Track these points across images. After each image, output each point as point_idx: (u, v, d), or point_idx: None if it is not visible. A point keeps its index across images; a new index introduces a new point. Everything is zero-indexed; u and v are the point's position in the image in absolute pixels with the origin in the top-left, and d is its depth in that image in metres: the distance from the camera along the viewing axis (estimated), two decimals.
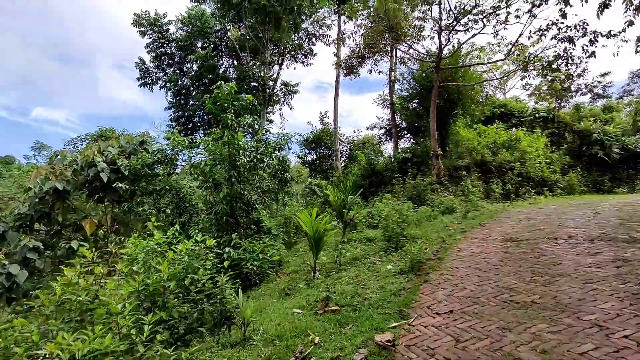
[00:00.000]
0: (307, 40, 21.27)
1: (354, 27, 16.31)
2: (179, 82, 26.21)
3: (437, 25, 14.69)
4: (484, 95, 17.98)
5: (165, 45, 25.94)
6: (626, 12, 10.99)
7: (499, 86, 27.00)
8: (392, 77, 20.69)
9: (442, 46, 14.74)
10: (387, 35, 16.99)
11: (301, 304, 5.57)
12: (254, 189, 10.18)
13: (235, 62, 25.52)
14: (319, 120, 25.96)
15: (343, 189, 9.12)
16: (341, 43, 21.28)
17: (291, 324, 4.66)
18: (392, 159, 18.72)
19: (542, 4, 13.17)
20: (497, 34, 21.02)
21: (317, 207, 8.60)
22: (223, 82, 9.94)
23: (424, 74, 18.13)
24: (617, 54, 11.56)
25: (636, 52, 11.30)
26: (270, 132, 19.06)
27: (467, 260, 6.27)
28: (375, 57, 20.17)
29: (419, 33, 16.21)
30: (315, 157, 26.10)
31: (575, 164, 17.45)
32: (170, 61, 26.62)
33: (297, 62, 22.18)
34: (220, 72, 25.66)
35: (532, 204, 12.85)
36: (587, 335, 3.46)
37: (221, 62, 26.34)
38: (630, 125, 19.45)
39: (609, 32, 11.06)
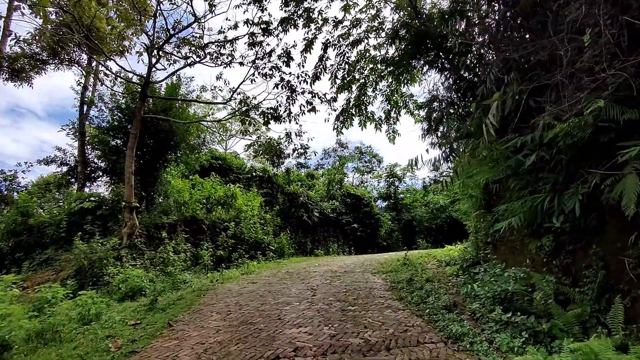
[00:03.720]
0: None
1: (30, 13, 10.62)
2: None
3: (148, 39, 11.32)
4: (202, 140, 15.54)
5: None
6: (331, 88, 11.53)
7: (221, 141, 26.22)
8: (87, 98, 15.20)
9: (152, 66, 11.37)
10: (76, 39, 12.09)
11: None
12: None
13: None
14: None
15: None
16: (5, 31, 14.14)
17: None
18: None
19: (265, 57, 12.61)
20: (221, 77, 19.88)
21: None
22: None
23: (132, 104, 13.91)
24: (327, 120, 11.79)
25: (334, 128, 11.94)
26: None
27: None
28: (63, 64, 14.31)
29: (122, 43, 12.24)
30: None
31: (286, 225, 17.42)
32: None
33: None
34: None
35: (244, 274, 10.66)
36: None
37: None
38: (325, 192, 22.02)
39: (325, 94, 11.05)
